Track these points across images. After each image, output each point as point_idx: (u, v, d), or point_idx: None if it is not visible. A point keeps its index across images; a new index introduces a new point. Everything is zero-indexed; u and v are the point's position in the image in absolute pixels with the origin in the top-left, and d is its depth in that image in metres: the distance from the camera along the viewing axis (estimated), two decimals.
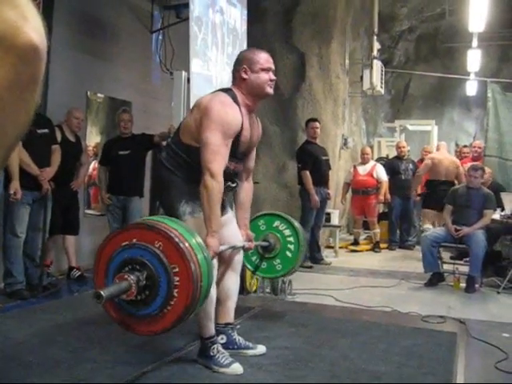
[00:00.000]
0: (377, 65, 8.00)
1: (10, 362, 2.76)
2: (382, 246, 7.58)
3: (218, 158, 2.51)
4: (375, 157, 9.34)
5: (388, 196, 7.53)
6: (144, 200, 5.51)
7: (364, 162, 7.56)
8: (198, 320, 2.71)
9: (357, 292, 4.85)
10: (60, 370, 2.65)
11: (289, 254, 3.53)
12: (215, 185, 2.49)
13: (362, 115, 10.87)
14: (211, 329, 2.74)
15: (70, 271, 5.00)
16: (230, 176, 2.74)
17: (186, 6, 4.84)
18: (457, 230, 5.10)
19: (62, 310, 3.91)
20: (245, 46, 5.37)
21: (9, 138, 0.58)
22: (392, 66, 11.51)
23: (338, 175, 7.60)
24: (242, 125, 2.65)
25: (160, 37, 6.36)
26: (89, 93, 5.62)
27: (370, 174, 7.45)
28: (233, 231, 2.89)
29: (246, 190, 2.98)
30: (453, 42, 11.16)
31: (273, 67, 2.78)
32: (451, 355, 3.03)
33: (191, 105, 3.24)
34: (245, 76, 2.70)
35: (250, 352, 2.93)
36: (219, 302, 2.82)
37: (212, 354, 2.71)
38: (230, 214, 2.94)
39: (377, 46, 8.27)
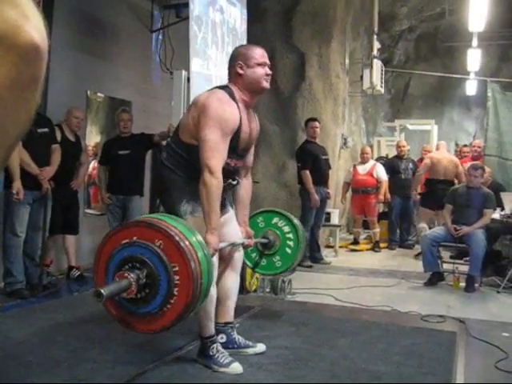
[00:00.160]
0: (377, 64, 8.00)
1: (10, 361, 2.76)
2: (381, 245, 7.58)
3: (216, 155, 2.51)
4: (375, 156, 9.34)
5: (388, 195, 7.53)
6: (144, 199, 5.51)
7: (364, 161, 7.56)
8: (197, 319, 2.71)
9: (357, 291, 4.85)
10: (60, 370, 2.65)
11: (288, 250, 3.53)
12: (214, 181, 2.48)
13: (362, 115, 10.87)
14: (211, 328, 2.74)
15: (70, 271, 5.00)
16: (231, 173, 2.74)
17: (186, 5, 4.83)
18: (456, 230, 5.10)
19: (62, 309, 3.91)
20: None
21: (10, 137, 0.58)
22: (392, 65, 11.51)
23: (337, 175, 7.60)
24: (241, 121, 2.65)
25: (160, 36, 6.35)
26: (89, 92, 5.62)
27: (370, 174, 7.45)
28: (233, 229, 2.89)
29: (245, 186, 2.97)
30: (453, 41, 11.16)
31: (268, 62, 2.77)
32: (451, 355, 3.04)
33: None
34: (241, 71, 2.70)
35: (250, 351, 2.94)
36: (219, 301, 2.82)
37: (212, 353, 2.71)
38: (231, 213, 2.94)
39: (377, 45, 8.27)
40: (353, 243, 7.74)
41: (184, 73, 4.64)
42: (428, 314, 3.96)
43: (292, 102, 6.99)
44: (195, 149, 2.57)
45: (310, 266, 5.97)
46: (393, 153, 8.65)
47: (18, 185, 4.08)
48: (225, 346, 2.83)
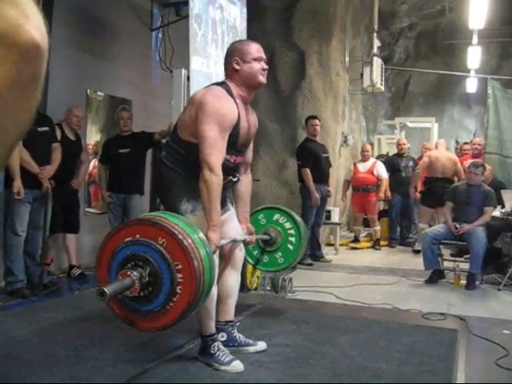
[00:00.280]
0: (377, 62, 7.99)
1: (11, 360, 2.76)
2: (382, 243, 7.58)
3: (215, 152, 2.50)
4: (375, 154, 9.34)
5: (388, 193, 7.53)
6: (144, 197, 5.51)
7: (364, 159, 7.55)
8: (198, 318, 2.71)
9: (357, 289, 4.86)
10: (61, 369, 2.65)
11: (290, 246, 3.53)
12: (214, 178, 2.48)
13: (362, 112, 10.86)
14: (212, 327, 2.74)
15: (71, 269, 5.00)
16: (231, 170, 2.73)
17: (186, 3, 4.83)
18: (457, 228, 5.10)
19: (63, 308, 3.91)
20: None
21: (10, 136, 0.58)
22: (392, 63, 11.51)
23: (338, 173, 7.60)
24: (239, 116, 2.64)
25: (160, 35, 6.35)
26: (88, 91, 5.61)
27: (371, 172, 7.44)
28: (234, 227, 2.89)
29: (245, 183, 2.96)
30: (453, 39, 11.16)
31: (264, 57, 2.77)
32: (452, 352, 3.04)
33: None
34: (237, 67, 2.70)
35: (251, 349, 2.94)
36: (220, 299, 2.82)
37: (212, 351, 2.71)
38: (231, 211, 2.94)
39: (377, 43, 8.26)
40: (353, 241, 7.74)
41: (184, 71, 4.64)
42: (429, 311, 3.96)
43: (292, 100, 6.98)
44: (194, 146, 2.57)
45: (311, 264, 5.98)
46: (393, 151, 8.65)
47: (18, 184, 4.08)
48: (225, 344, 2.83)
